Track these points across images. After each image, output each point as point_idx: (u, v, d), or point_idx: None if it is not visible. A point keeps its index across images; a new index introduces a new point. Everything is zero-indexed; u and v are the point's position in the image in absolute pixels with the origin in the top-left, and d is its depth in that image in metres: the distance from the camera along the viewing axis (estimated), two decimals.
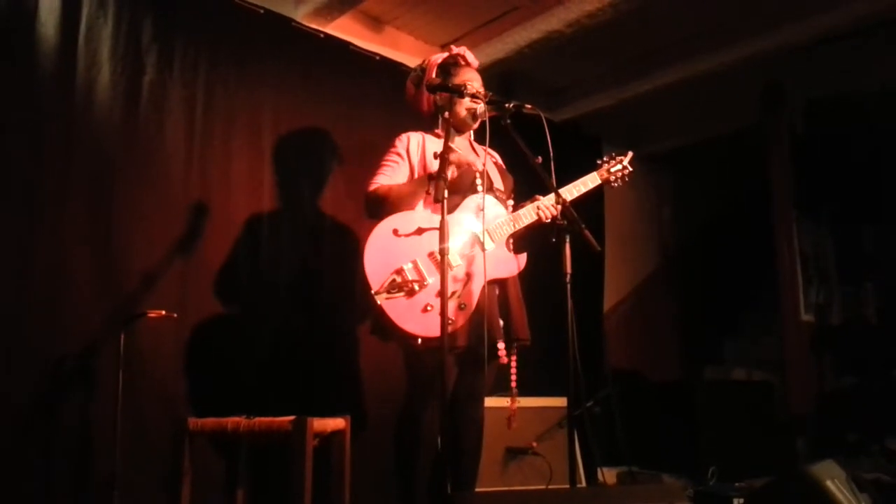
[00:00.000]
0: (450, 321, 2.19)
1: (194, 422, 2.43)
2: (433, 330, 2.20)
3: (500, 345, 2.38)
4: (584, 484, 3.52)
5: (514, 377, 2.47)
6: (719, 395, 4.71)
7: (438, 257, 2.25)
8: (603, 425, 3.75)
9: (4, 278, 2.50)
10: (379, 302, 2.21)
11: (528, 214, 2.48)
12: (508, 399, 2.52)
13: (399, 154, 2.54)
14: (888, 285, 5.07)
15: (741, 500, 3.11)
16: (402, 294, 2.23)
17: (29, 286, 2.55)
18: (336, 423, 2.50)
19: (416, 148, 2.54)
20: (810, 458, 3.52)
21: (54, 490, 2.52)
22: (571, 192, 2.54)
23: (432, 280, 2.27)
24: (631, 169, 2.70)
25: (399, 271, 2.25)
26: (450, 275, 2.25)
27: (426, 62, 2.64)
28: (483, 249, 2.37)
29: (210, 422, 2.42)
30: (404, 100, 2.72)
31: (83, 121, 2.76)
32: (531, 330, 2.55)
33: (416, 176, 2.51)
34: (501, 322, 2.44)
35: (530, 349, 2.59)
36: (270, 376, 3.07)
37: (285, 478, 2.28)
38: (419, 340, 2.23)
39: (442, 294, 2.01)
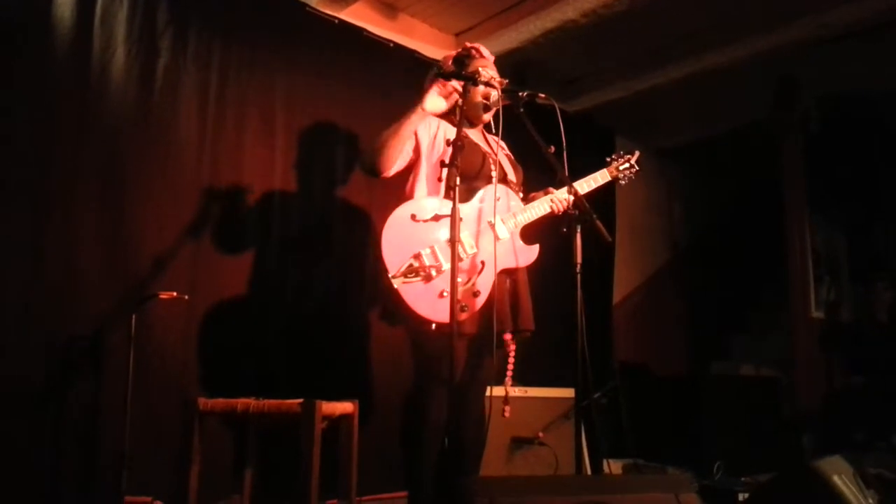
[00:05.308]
0: (465, 307, 2.21)
1: (204, 402, 2.44)
2: (448, 316, 2.21)
3: (508, 336, 2.42)
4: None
5: (510, 367, 2.49)
6: (726, 390, 4.70)
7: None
8: (609, 417, 3.75)
9: (17, 260, 2.52)
10: (396, 286, 2.23)
11: (541, 206, 2.50)
12: (503, 389, 2.54)
13: None
14: None
15: (746, 495, 3.11)
16: (418, 279, 2.25)
17: (41, 268, 2.57)
18: (344, 406, 2.51)
19: (427, 128, 2.51)
20: (816, 455, 3.50)
21: (64, 469, 2.55)
22: (582, 186, 2.58)
23: (449, 266, 2.27)
24: (638, 168, 2.76)
25: (417, 256, 2.27)
26: (466, 262, 2.30)
27: (443, 58, 2.66)
28: (497, 238, 2.39)
29: (220, 402, 2.43)
30: (421, 93, 2.70)
31: (97, 103, 2.77)
32: (539, 320, 2.57)
33: (420, 153, 2.49)
34: (510, 312, 2.45)
35: (538, 339, 2.61)
36: (280, 359, 3.10)
37: (293, 459, 2.29)
38: (433, 325, 2.25)
39: (452, 280, 2.02)
